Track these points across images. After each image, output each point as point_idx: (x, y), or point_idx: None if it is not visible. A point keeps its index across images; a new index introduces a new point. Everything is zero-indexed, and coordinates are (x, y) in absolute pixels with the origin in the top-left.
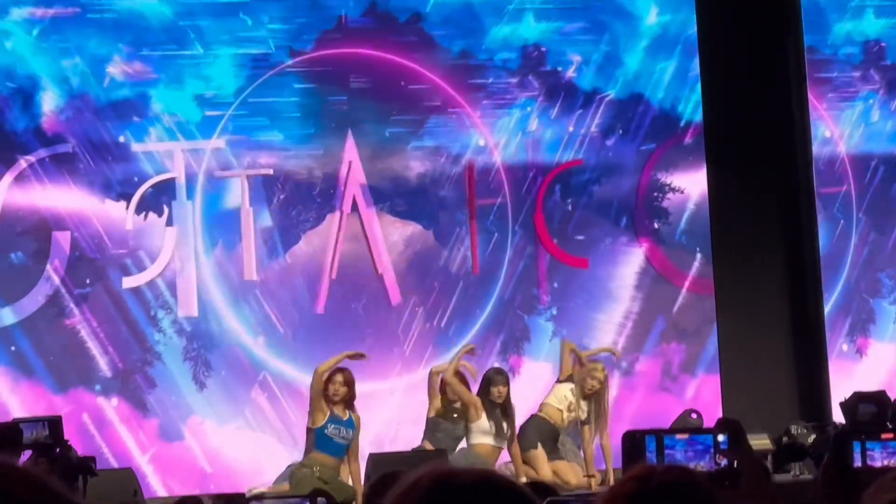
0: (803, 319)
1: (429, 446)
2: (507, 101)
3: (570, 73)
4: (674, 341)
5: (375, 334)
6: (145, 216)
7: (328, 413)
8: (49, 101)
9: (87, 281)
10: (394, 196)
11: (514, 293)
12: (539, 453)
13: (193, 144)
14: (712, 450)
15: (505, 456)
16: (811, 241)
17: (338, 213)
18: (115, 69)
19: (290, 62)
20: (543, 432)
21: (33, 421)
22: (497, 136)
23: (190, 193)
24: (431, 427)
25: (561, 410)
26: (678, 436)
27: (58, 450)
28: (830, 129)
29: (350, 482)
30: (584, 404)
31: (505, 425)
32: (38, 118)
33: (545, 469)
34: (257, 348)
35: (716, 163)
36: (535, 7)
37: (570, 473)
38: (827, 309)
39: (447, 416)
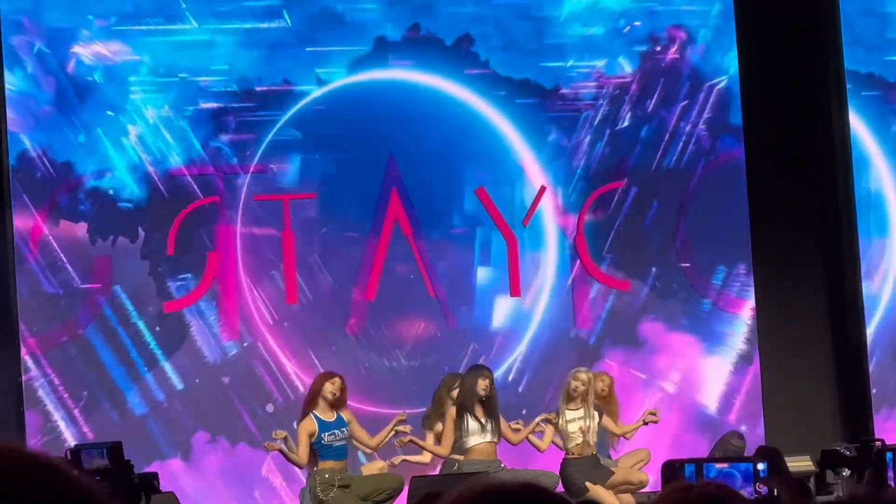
0: (845, 340)
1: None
2: (590, 90)
3: (673, 53)
4: None
5: (426, 355)
6: (113, 241)
7: (316, 424)
8: None
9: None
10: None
11: (602, 336)
12: (595, 489)
13: (230, 168)
14: (751, 479)
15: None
16: (852, 262)
17: (378, 237)
18: (83, 49)
19: (317, 91)
20: (583, 470)
21: (93, 447)
22: (577, 136)
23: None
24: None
25: (586, 442)
26: (717, 464)
27: (119, 479)
28: None
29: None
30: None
31: (491, 421)
32: None
33: (610, 498)
34: (267, 417)
35: (756, 184)
36: None
37: (627, 475)
38: (871, 329)
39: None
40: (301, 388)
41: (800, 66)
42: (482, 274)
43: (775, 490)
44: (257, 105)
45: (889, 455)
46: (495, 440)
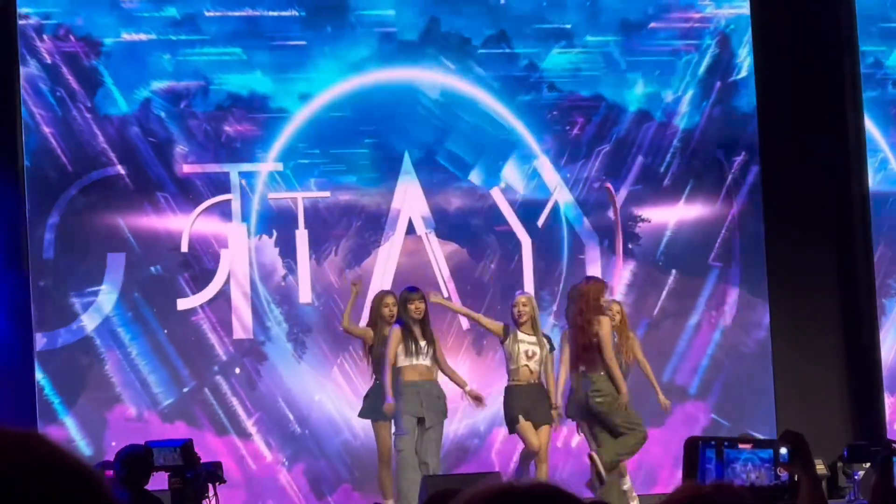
0: (858, 345)
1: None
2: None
3: None
4: None
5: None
6: None
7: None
8: None
9: None
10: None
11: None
12: (524, 425)
13: (249, 167)
14: (771, 463)
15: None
16: (865, 262)
17: (391, 234)
18: None
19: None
20: (521, 400)
21: (165, 444)
22: (676, 88)
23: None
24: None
25: (529, 368)
26: (740, 445)
27: (189, 473)
28: None
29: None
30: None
31: (424, 344)
32: None
33: (532, 439)
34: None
35: (771, 193)
36: None
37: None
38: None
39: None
40: (254, 467)
41: (817, 64)
42: (496, 273)
43: (796, 476)
44: (213, 37)
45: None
46: (429, 364)
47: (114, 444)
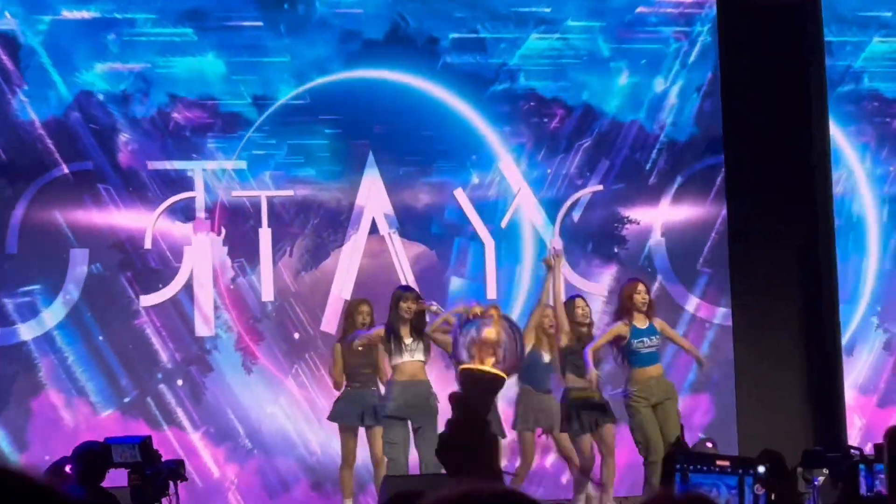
0: (820, 350)
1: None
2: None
3: None
4: None
5: None
6: None
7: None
8: None
9: None
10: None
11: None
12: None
13: (212, 164)
14: (737, 489)
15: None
16: (829, 267)
17: (354, 235)
18: None
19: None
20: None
21: (124, 440)
22: (666, 76)
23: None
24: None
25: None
26: (719, 462)
27: (148, 470)
28: None
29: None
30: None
31: (410, 341)
32: None
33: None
34: None
35: (734, 194)
36: None
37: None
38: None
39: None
40: (201, 485)
41: (781, 74)
42: (457, 275)
43: (773, 495)
44: (161, 15)
45: (862, 467)
46: (424, 360)
47: (47, 458)
